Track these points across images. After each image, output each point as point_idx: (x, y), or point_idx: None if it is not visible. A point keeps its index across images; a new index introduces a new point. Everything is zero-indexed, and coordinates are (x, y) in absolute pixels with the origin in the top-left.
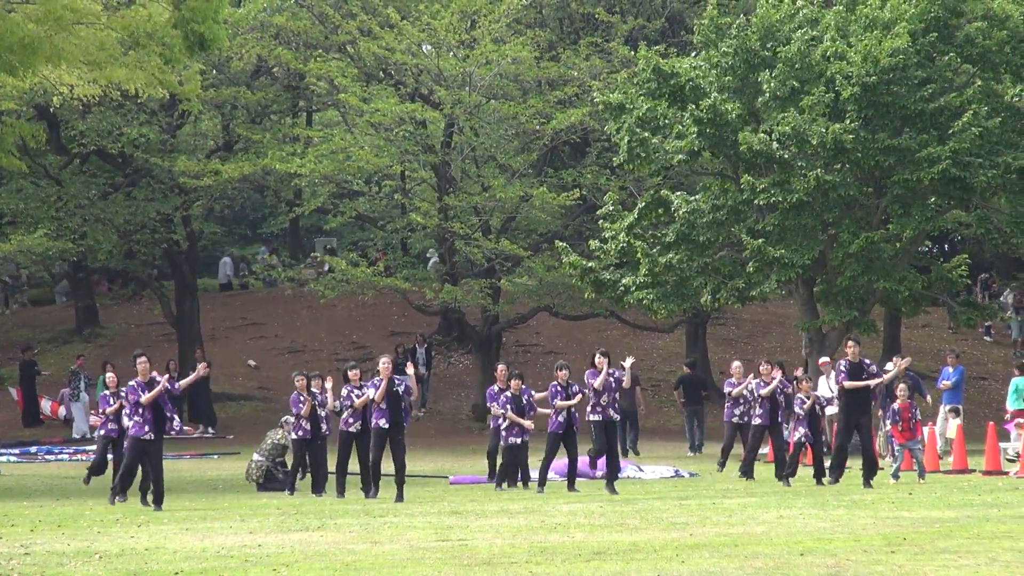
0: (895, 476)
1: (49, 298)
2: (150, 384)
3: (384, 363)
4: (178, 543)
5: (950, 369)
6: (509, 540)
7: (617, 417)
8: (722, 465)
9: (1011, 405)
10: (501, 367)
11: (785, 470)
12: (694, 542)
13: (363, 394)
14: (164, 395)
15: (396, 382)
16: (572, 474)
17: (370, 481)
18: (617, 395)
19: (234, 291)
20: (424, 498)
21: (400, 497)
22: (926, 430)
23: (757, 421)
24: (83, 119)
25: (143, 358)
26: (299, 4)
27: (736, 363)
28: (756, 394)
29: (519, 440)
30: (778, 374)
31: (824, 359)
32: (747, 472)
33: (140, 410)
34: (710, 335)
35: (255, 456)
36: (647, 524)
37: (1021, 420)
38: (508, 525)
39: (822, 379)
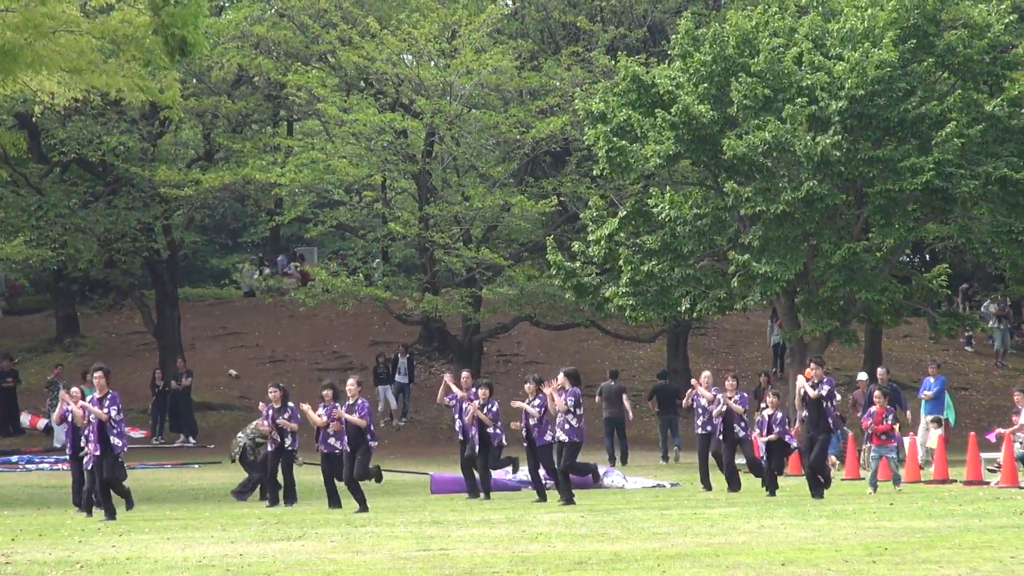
0: (872, 485)
1: (33, 307)
2: (101, 401)
3: (350, 385)
4: (159, 552)
5: (931, 379)
6: (490, 550)
7: (566, 438)
8: (707, 486)
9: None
10: (465, 374)
11: (765, 483)
12: (675, 552)
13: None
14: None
15: (357, 407)
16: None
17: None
18: (562, 417)
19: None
20: (405, 507)
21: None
22: (907, 440)
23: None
24: (63, 127)
25: (99, 373)
26: (280, 14)
27: (706, 372)
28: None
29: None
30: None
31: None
32: (733, 486)
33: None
34: (691, 345)
35: (239, 434)
36: (628, 534)
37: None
38: (489, 535)
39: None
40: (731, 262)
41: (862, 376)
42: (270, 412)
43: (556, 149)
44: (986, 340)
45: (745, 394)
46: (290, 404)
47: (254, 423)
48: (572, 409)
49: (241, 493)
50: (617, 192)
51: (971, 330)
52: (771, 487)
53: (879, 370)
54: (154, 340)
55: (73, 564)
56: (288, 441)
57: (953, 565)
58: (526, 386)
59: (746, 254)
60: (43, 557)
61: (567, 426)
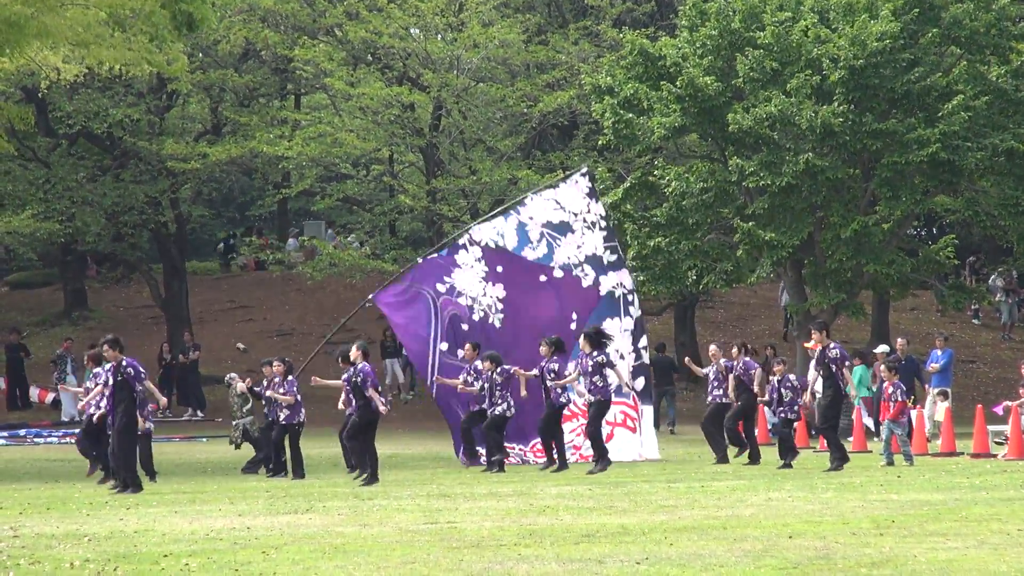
0: (886, 457)
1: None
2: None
3: (353, 351)
4: (167, 525)
5: (938, 352)
6: (498, 523)
7: (592, 398)
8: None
9: (858, 393)
10: (468, 346)
11: (786, 454)
12: (682, 525)
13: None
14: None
15: (356, 371)
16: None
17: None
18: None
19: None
20: (413, 481)
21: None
22: (914, 413)
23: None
24: (70, 100)
25: (105, 345)
26: None
27: (712, 346)
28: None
29: (476, 407)
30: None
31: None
32: (754, 458)
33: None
34: (699, 318)
35: (233, 421)
36: (636, 507)
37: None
38: (497, 508)
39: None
40: (736, 230)
41: (882, 348)
42: (272, 382)
43: (563, 123)
44: (993, 313)
45: (748, 359)
46: (290, 378)
47: (234, 401)
48: (589, 373)
49: (249, 468)
50: (624, 165)
51: (978, 303)
52: (788, 458)
53: (899, 341)
54: (162, 314)
55: (81, 537)
56: (284, 415)
57: (960, 537)
58: (541, 348)
59: (751, 222)
60: (51, 530)
61: (592, 387)
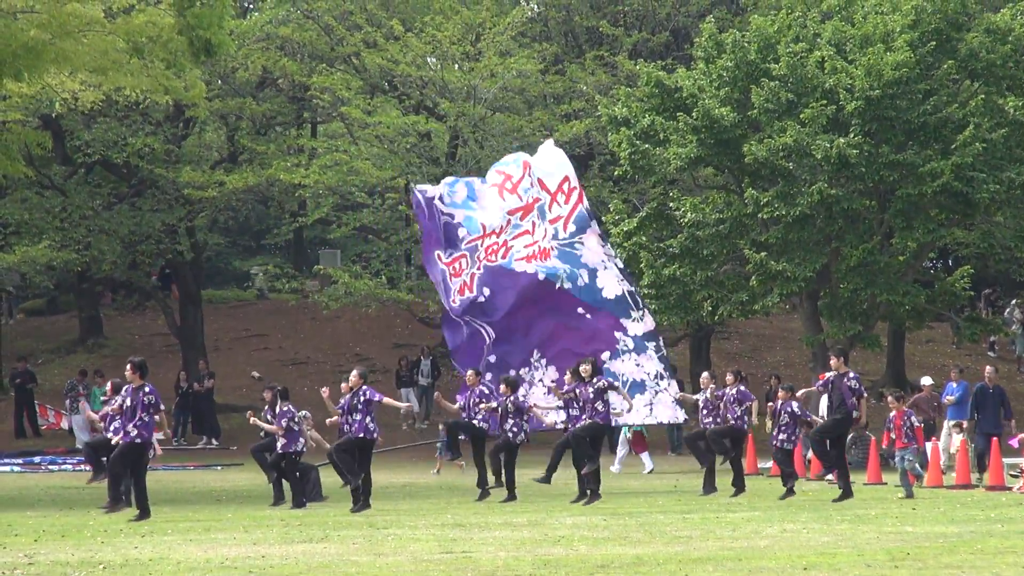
0: (905, 488)
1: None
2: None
3: (353, 376)
4: (182, 554)
5: (954, 384)
6: (513, 552)
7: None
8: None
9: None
10: (470, 372)
11: (786, 482)
12: (698, 556)
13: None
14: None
15: (361, 394)
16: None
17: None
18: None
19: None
20: (427, 510)
21: (362, 506)
22: (929, 445)
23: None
24: (88, 129)
25: (128, 367)
26: (305, 16)
27: (704, 373)
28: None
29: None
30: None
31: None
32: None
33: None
34: (714, 349)
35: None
36: (651, 537)
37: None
38: (512, 538)
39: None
40: (749, 261)
41: (926, 381)
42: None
43: (579, 153)
44: (1009, 345)
45: (742, 387)
46: (286, 408)
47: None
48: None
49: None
50: (639, 196)
51: (994, 334)
52: (789, 483)
53: (987, 369)
54: (177, 342)
55: (96, 565)
56: (280, 444)
57: (975, 570)
58: (564, 377)
59: (763, 252)
60: (66, 558)
61: (593, 412)
